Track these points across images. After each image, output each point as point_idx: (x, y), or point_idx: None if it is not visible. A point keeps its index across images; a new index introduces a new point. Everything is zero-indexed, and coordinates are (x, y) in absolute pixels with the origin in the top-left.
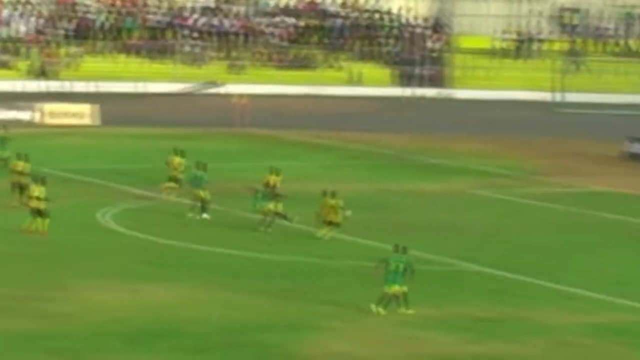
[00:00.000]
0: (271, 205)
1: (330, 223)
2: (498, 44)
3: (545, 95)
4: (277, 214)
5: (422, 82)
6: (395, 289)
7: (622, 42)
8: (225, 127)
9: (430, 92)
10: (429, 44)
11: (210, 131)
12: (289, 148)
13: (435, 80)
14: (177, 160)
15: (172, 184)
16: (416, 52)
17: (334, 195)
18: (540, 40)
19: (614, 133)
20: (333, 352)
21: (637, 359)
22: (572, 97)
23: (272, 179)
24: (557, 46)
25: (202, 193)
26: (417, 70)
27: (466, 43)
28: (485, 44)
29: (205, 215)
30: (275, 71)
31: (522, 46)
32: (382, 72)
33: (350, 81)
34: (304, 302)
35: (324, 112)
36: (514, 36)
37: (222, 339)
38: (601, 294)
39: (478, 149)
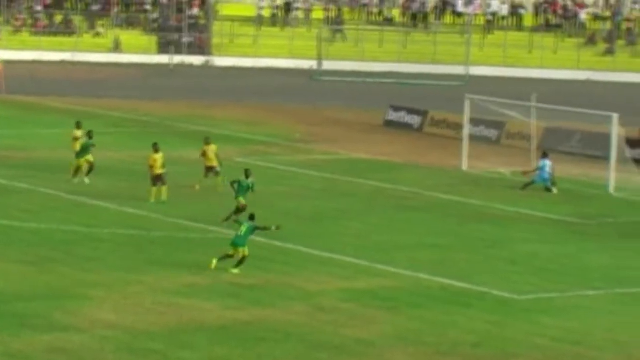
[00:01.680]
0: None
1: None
2: (263, 12)
3: (307, 64)
4: None
5: (184, 49)
6: (240, 250)
7: (380, 10)
8: None
9: (192, 59)
10: (190, 11)
11: None
12: (51, 115)
13: (197, 48)
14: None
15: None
16: (177, 19)
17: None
18: (308, 10)
19: (378, 101)
20: (97, 320)
21: (394, 323)
22: (334, 65)
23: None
24: (319, 14)
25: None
26: (178, 38)
27: (229, 10)
28: (250, 12)
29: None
30: (32, 37)
31: (286, 14)
32: (143, 39)
33: (114, 49)
34: (65, 270)
35: (84, 80)
36: (278, 3)
37: None
38: (362, 260)
39: (240, 116)
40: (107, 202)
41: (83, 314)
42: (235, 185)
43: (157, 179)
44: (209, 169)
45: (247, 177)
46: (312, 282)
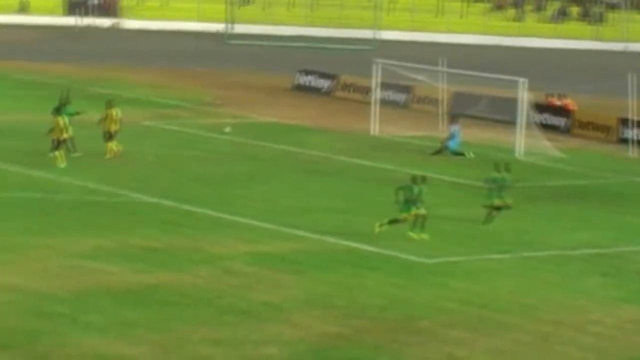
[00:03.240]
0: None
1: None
2: None
3: (217, 27)
4: None
5: (92, 11)
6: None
7: None
8: None
9: (100, 21)
10: None
11: None
12: None
13: (105, 10)
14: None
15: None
16: None
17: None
18: None
19: (288, 65)
20: (1, 285)
21: (302, 286)
22: (244, 28)
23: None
24: None
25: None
26: None
27: None
28: None
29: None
30: None
31: None
32: (50, 0)
33: (22, 10)
34: None
35: None
36: None
37: None
38: (268, 223)
39: (149, 79)
40: (12, 166)
41: None
42: (401, 193)
43: (61, 144)
44: (108, 133)
45: (416, 183)
46: (219, 245)
